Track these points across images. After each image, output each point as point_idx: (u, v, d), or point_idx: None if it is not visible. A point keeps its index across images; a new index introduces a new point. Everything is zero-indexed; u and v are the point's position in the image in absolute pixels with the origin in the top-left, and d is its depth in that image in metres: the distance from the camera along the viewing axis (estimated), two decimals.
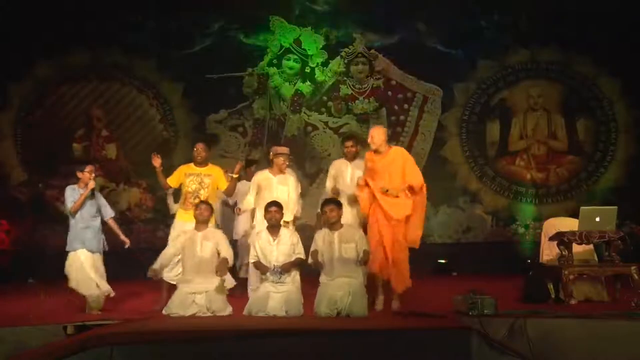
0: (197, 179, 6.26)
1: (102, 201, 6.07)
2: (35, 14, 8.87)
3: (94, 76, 9.52)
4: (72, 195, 5.87)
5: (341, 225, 5.64)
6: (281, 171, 6.32)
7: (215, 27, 9.41)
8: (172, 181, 6.32)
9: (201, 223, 5.77)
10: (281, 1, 9.52)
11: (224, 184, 6.35)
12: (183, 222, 6.18)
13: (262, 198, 6.16)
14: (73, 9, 8.88)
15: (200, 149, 6.32)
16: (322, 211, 5.67)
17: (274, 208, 5.69)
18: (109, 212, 6.06)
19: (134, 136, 9.52)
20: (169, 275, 5.96)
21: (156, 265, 5.64)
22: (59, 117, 9.42)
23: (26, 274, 8.48)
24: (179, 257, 5.82)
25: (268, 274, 5.56)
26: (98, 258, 5.90)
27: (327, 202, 5.75)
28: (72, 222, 5.87)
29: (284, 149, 6.52)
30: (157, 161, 6.19)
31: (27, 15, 8.87)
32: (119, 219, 9.27)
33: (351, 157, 6.31)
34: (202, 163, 6.31)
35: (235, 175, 6.33)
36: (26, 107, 9.41)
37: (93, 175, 5.93)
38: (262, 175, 6.35)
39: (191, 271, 5.66)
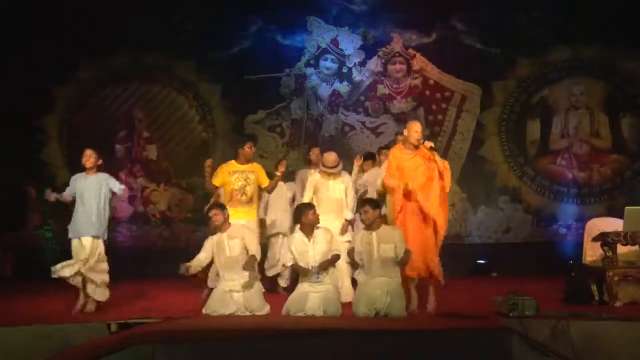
0: (243, 175, 6.39)
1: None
2: (77, 17, 9.07)
3: (135, 78, 9.68)
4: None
5: (379, 226, 5.62)
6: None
7: (253, 29, 9.47)
8: (217, 181, 6.44)
9: (220, 227, 5.77)
10: (318, 2, 9.54)
11: (265, 180, 6.48)
12: (234, 220, 6.22)
13: (320, 199, 6.32)
14: (114, 12, 9.05)
15: (251, 147, 6.51)
16: (359, 212, 5.67)
17: (312, 211, 5.73)
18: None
19: (174, 137, 9.66)
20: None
21: (188, 263, 5.69)
22: (101, 118, 9.62)
23: None
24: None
25: (309, 275, 5.59)
26: None
27: (363, 202, 5.72)
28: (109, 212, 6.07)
29: (330, 163, 6.45)
30: (209, 164, 6.36)
31: (70, 19, 9.08)
32: (160, 219, 9.55)
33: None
34: (247, 161, 6.44)
35: (279, 174, 6.47)
36: (70, 110, 9.63)
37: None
38: (317, 176, 6.45)
39: (224, 270, 5.73)
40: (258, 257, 5.76)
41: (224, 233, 5.78)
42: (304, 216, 5.70)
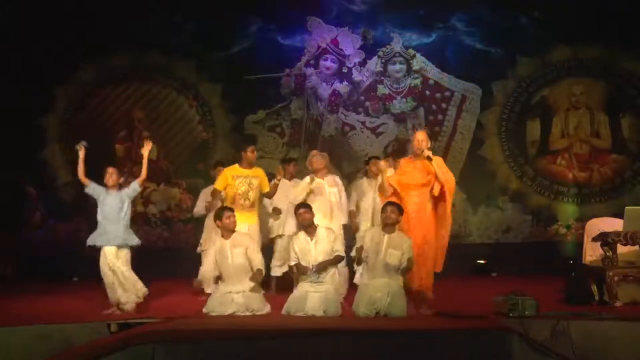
0: (246, 180, 6.38)
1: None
2: (77, 18, 9.07)
3: (135, 78, 9.67)
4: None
5: (394, 230, 5.57)
6: (325, 174, 6.49)
7: (254, 29, 9.47)
8: (220, 185, 6.44)
9: (229, 232, 5.78)
10: (318, 2, 9.53)
11: (267, 186, 6.49)
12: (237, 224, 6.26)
13: (314, 202, 6.34)
14: (114, 12, 9.05)
15: (254, 151, 6.49)
16: (383, 209, 5.58)
17: (303, 209, 5.74)
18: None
19: (174, 137, 9.66)
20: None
21: (200, 278, 5.72)
22: (102, 118, 9.62)
23: (71, 273, 8.70)
24: None
25: (308, 273, 5.59)
26: None
27: (390, 203, 5.61)
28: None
29: (316, 158, 6.60)
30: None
31: (70, 19, 9.08)
32: (160, 219, 9.53)
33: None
34: (250, 165, 6.43)
35: (278, 181, 6.44)
36: (71, 110, 9.62)
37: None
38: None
39: (227, 277, 5.73)
40: (263, 270, 5.75)
41: (227, 240, 5.77)
42: (297, 216, 5.74)
